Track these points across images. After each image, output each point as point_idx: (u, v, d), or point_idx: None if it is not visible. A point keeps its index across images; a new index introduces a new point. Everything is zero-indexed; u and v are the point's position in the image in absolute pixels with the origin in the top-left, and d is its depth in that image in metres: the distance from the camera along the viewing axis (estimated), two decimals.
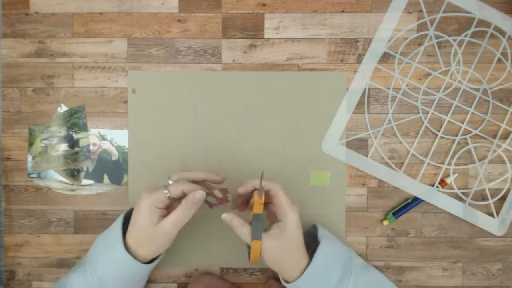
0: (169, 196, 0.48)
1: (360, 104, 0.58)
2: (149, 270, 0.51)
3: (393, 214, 0.57)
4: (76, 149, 0.58)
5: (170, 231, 0.48)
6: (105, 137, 0.58)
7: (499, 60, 0.57)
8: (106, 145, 0.58)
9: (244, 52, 0.58)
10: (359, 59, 0.58)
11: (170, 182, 0.50)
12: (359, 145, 0.58)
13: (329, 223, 0.58)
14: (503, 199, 0.58)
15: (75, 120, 0.58)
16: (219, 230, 0.57)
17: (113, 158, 0.58)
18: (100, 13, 0.58)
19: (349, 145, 0.58)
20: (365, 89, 0.58)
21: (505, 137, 0.58)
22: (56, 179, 0.58)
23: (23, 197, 0.59)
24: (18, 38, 0.58)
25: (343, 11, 0.58)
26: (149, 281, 0.59)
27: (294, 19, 0.58)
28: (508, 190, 0.58)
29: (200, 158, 0.58)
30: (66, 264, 0.59)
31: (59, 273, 0.59)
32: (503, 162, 0.58)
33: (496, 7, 0.57)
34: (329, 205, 0.58)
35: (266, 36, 0.58)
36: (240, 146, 0.58)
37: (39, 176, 0.58)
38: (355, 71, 0.58)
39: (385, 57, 0.58)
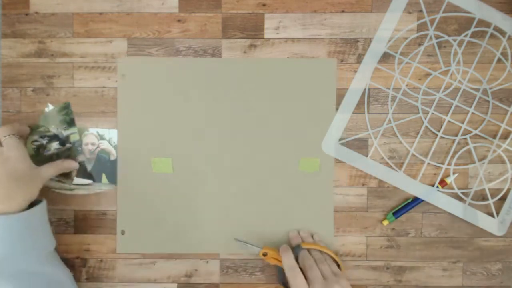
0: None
1: (360, 104, 0.58)
2: (23, 218, 0.49)
3: (393, 214, 0.57)
4: (68, 145, 0.58)
5: (44, 176, 0.52)
6: (104, 136, 0.58)
7: (499, 60, 0.57)
8: (104, 144, 0.58)
9: (244, 52, 0.58)
10: (359, 59, 0.58)
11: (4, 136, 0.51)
12: (359, 145, 0.58)
13: (318, 208, 0.58)
14: (503, 199, 0.58)
15: (62, 117, 0.58)
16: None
17: (112, 158, 0.58)
18: (100, 13, 0.58)
19: (349, 145, 0.58)
20: (365, 89, 0.58)
21: (505, 137, 0.58)
22: (54, 179, 0.58)
23: None
24: (18, 38, 0.59)
25: (343, 11, 0.58)
26: (149, 281, 0.59)
27: (294, 19, 0.58)
28: (508, 190, 0.58)
29: (190, 145, 0.58)
30: (66, 264, 0.59)
31: None
32: (503, 162, 0.58)
33: (496, 7, 0.57)
34: (318, 191, 0.58)
35: (266, 36, 0.58)
36: (230, 133, 0.58)
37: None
38: (355, 71, 0.58)
39: (385, 57, 0.58)
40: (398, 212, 0.57)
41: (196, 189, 0.58)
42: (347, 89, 0.58)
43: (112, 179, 0.58)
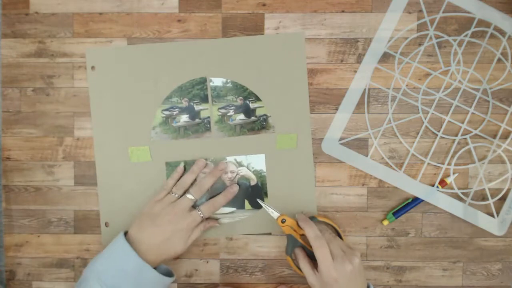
0: (202, 217, 0.54)
1: (360, 104, 0.58)
2: (163, 281, 0.52)
3: (393, 214, 0.57)
4: (197, 120, 0.58)
5: (188, 246, 0.54)
6: (242, 163, 0.58)
7: (499, 60, 0.57)
8: (243, 171, 0.58)
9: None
10: (359, 59, 0.58)
11: (191, 197, 0.54)
12: (359, 145, 0.58)
13: (299, 184, 0.58)
14: (503, 199, 0.58)
15: (196, 92, 0.58)
16: None
17: (252, 183, 0.58)
18: (100, 13, 0.58)
19: (349, 145, 0.58)
20: (365, 89, 0.58)
21: (505, 137, 0.58)
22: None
23: (23, 197, 0.59)
24: (18, 38, 0.59)
25: (343, 11, 0.58)
26: None
27: (294, 19, 0.58)
28: (508, 190, 0.58)
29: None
30: (66, 264, 0.59)
31: (59, 273, 0.59)
32: (503, 162, 0.58)
33: (496, 7, 0.57)
34: (297, 167, 0.58)
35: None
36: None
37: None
38: (355, 71, 0.58)
39: (385, 57, 0.58)
40: (398, 212, 0.57)
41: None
42: (347, 89, 0.58)
43: (255, 205, 0.58)
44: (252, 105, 0.58)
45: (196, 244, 0.59)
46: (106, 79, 0.58)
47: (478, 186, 0.58)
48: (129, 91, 0.58)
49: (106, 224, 0.59)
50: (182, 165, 0.57)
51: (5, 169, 0.59)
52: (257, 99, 0.58)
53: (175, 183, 0.56)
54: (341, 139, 0.58)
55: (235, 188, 0.57)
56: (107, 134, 0.58)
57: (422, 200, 0.57)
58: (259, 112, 0.58)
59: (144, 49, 0.58)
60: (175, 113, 0.58)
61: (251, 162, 0.58)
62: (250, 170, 0.58)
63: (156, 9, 0.58)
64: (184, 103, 0.58)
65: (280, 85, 0.58)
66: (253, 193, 0.58)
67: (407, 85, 0.58)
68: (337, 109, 0.58)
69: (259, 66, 0.58)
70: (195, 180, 0.57)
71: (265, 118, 0.57)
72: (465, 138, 0.58)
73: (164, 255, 0.52)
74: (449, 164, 0.58)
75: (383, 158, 0.58)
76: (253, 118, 0.58)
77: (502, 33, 0.57)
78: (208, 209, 0.55)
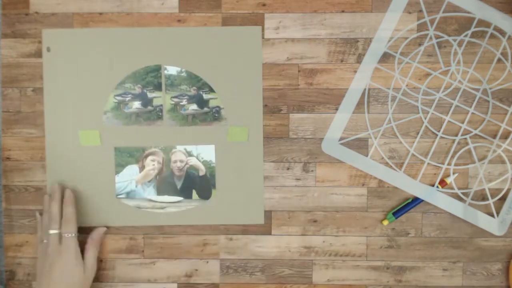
0: (74, 235, 0.54)
1: (360, 104, 0.58)
2: None
3: (393, 214, 0.57)
4: (149, 108, 0.58)
5: (92, 267, 0.55)
6: (192, 153, 0.58)
7: (499, 60, 0.57)
8: (193, 161, 0.58)
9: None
10: (359, 59, 0.58)
11: (53, 231, 0.53)
12: (359, 145, 0.58)
13: (248, 178, 0.58)
14: (503, 199, 0.58)
15: (150, 79, 0.58)
16: None
17: (201, 173, 0.58)
18: (100, 13, 0.58)
19: (349, 145, 0.58)
20: (365, 89, 0.58)
21: (505, 137, 0.58)
22: (145, 198, 0.58)
23: (23, 197, 0.59)
24: (18, 38, 0.59)
25: (343, 11, 0.58)
26: (149, 281, 0.59)
27: (294, 19, 0.58)
28: (508, 190, 0.58)
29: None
30: None
31: None
32: (503, 162, 0.58)
33: (496, 7, 0.57)
34: (247, 160, 0.58)
35: (266, 36, 0.58)
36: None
37: (128, 196, 0.58)
38: (355, 71, 0.58)
39: (385, 57, 0.58)
40: (398, 212, 0.57)
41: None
42: (347, 89, 0.58)
43: (203, 195, 0.58)
44: (205, 96, 0.58)
45: (196, 244, 0.59)
46: (61, 61, 0.58)
47: (478, 186, 0.58)
48: (83, 74, 0.58)
49: None
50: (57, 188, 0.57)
51: (5, 169, 0.59)
52: (211, 90, 0.58)
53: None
54: (341, 139, 0.58)
55: (69, 195, 0.56)
56: (59, 115, 0.58)
57: (422, 200, 0.58)
58: (212, 104, 0.58)
59: (100, 33, 0.58)
60: (127, 99, 0.58)
61: (200, 153, 0.58)
62: (200, 161, 0.58)
63: (156, 9, 0.58)
64: (138, 90, 0.58)
65: (235, 78, 0.58)
66: (201, 183, 0.58)
67: (407, 85, 0.58)
68: (337, 109, 0.58)
69: (215, 58, 0.58)
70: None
71: (217, 110, 0.57)
72: (465, 138, 0.58)
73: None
74: (449, 164, 0.58)
75: (383, 158, 0.58)
76: (205, 109, 0.58)
77: (502, 33, 0.57)
78: (69, 225, 0.54)
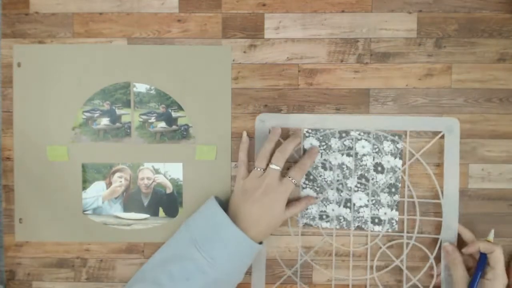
0: (294, 182, 0.53)
1: (360, 104, 0.58)
2: (258, 250, 0.53)
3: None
4: (118, 124, 0.58)
5: (287, 218, 0.55)
6: (159, 170, 0.58)
7: (499, 60, 0.57)
8: (160, 178, 0.58)
9: (244, 52, 0.58)
10: (359, 59, 0.58)
11: (276, 167, 0.52)
12: None
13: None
14: None
15: (119, 96, 0.58)
16: None
17: (168, 191, 0.58)
18: (100, 13, 0.58)
19: None
20: (365, 89, 0.58)
21: (505, 137, 0.58)
22: (112, 215, 0.58)
23: None
24: (18, 38, 0.59)
25: (343, 11, 0.58)
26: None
27: (294, 19, 0.58)
28: None
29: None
30: (66, 264, 0.59)
31: (59, 273, 0.59)
32: None
33: (496, 7, 0.57)
34: (214, 179, 0.58)
35: (266, 36, 0.58)
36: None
37: (94, 213, 0.58)
38: (355, 71, 0.58)
39: (385, 57, 0.58)
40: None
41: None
42: (347, 89, 0.58)
43: (169, 213, 0.58)
44: (174, 114, 0.58)
45: None
46: (31, 76, 0.58)
47: None
48: (52, 90, 0.58)
49: (20, 221, 0.59)
50: (245, 133, 0.57)
51: (5, 169, 0.59)
52: (180, 108, 0.58)
53: (247, 155, 0.56)
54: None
55: (317, 149, 0.56)
56: (28, 130, 0.58)
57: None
58: (180, 122, 0.58)
59: (70, 49, 0.58)
60: (96, 115, 0.58)
61: (168, 170, 0.58)
62: (167, 178, 0.58)
63: (156, 9, 0.58)
64: (106, 106, 0.58)
65: (204, 97, 0.58)
66: (168, 201, 0.58)
67: (407, 85, 0.58)
68: (337, 109, 0.58)
69: (184, 76, 0.58)
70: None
71: (186, 128, 0.58)
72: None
73: (264, 230, 0.53)
74: None
75: None
76: (174, 127, 0.58)
77: (502, 33, 0.57)
78: (298, 173, 0.54)
